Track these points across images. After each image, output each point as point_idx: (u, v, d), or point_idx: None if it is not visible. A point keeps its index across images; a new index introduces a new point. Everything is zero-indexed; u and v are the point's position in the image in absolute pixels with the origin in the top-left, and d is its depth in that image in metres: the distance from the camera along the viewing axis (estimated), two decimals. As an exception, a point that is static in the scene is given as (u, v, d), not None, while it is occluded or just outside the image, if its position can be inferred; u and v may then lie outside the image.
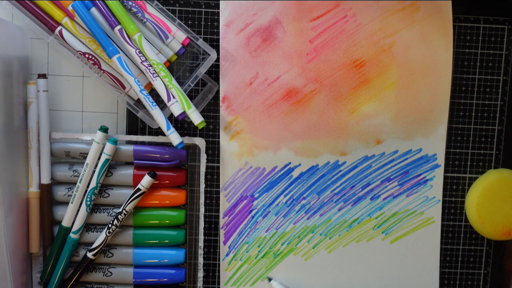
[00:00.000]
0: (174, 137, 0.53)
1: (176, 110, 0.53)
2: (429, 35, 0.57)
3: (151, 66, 0.53)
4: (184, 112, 0.54)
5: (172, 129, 0.53)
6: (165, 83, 0.54)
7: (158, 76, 0.53)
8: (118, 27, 0.53)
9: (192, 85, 0.55)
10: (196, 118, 0.54)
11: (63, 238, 0.55)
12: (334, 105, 0.58)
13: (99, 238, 0.55)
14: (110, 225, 0.55)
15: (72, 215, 0.55)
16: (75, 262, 0.57)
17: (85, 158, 0.55)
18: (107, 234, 0.55)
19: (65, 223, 0.55)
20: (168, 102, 0.53)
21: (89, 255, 0.55)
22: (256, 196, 0.59)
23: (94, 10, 0.53)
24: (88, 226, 0.56)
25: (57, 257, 0.56)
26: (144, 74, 0.55)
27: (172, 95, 0.54)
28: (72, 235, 0.55)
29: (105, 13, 0.53)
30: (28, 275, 0.56)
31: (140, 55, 0.53)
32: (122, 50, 0.55)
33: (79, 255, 0.56)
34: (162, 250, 0.57)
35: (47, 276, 0.56)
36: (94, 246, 0.55)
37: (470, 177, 0.60)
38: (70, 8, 0.53)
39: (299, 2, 0.56)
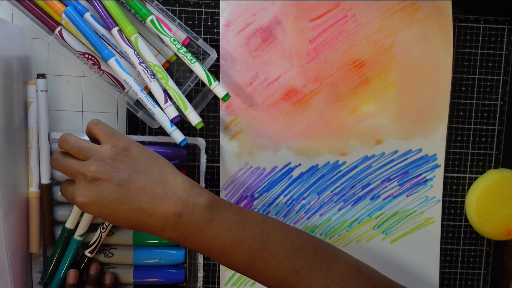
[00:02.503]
0: (176, 135, 0.53)
1: (171, 113, 0.53)
2: (429, 35, 0.57)
3: (148, 67, 0.53)
4: (178, 116, 0.53)
5: (174, 126, 0.53)
6: (162, 85, 0.53)
7: (155, 77, 0.53)
8: (116, 28, 0.53)
9: (192, 85, 0.55)
10: (194, 118, 0.53)
11: (66, 240, 0.55)
12: (334, 105, 0.58)
13: (95, 235, 0.55)
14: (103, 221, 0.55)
15: (75, 217, 0.55)
16: (75, 262, 0.56)
17: (85, 158, 0.55)
18: (101, 230, 0.55)
19: (69, 225, 0.55)
20: (164, 104, 0.53)
21: (86, 252, 0.55)
22: (256, 196, 0.59)
23: (87, 15, 0.52)
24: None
25: (60, 258, 0.55)
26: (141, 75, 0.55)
27: (169, 96, 0.53)
28: (77, 237, 0.55)
29: (103, 15, 0.52)
30: (28, 275, 0.56)
31: (138, 56, 0.53)
32: (120, 52, 0.54)
33: (79, 255, 0.56)
34: (162, 250, 0.57)
35: (48, 277, 0.55)
36: (90, 243, 0.55)
37: (470, 177, 0.60)
38: (63, 15, 0.52)
39: (299, 2, 0.56)
